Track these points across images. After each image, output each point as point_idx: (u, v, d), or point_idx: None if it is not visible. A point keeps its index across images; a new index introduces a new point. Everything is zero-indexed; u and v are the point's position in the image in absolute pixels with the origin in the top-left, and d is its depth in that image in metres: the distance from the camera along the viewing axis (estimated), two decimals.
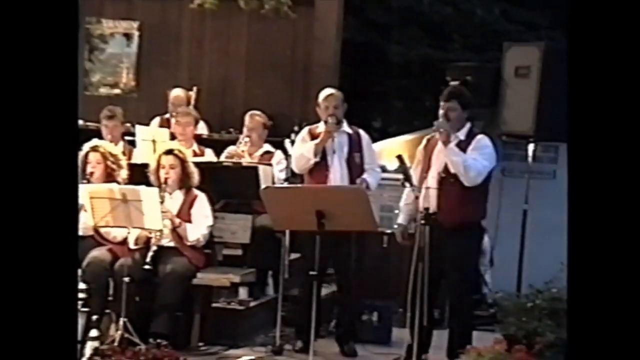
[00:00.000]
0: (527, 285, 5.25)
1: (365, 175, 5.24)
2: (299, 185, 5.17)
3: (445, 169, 4.70)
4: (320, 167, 5.19)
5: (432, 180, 4.70)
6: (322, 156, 5.20)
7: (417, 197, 4.53)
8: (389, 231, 5.00)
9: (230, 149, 6.11)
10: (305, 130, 5.37)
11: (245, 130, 6.11)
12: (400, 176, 4.73)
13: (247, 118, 6.15)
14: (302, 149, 5.22)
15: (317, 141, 5.19)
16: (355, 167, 5.24)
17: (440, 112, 4.76)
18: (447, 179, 4.67)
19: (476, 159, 4.68)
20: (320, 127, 5.25)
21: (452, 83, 6.54)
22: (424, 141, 4.92)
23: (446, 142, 4.69)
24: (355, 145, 5.28)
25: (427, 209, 4.51)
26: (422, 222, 4.43)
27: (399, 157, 4.62)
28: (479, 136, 4.80)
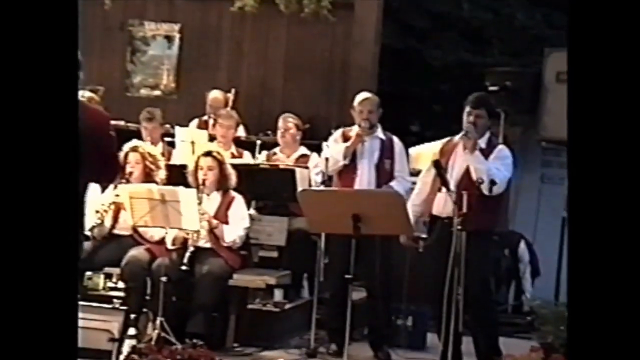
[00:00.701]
0: (565, 294, 5.18)
1: (393, 183, 5.18)
2: (336, 188, 5.18)
3: (464, 175, 4.67)
4: (349, 170, 5.19)
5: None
6: (352, 159, 5.19)
7: (455, 203, 4.48)
8: (424, 236, 4.98)
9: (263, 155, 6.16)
10: (339, 132, 5.37)
11: (278, 132, 6.15)
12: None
13: (280, 120, 6.18)
14: (332, 150, 5.22)
15: (347, 144, 5.18)
16: (384, 173, 5.20)
17: (470, 118, 4.73)
18: (465, 185, 4.61)
19: (499, 169, 4.67)
20: (354, 130, 5.24)
21: (492, 88, 6.49)
22: (440, 146, 4.89)
23: (473, 149, 4.67)
24: (386, 151, 5.24)
25: (465, 214, 4.45)
26: (459, 227, 4.40)
27: (436, 162, 4.59)
28: (500, 146, 4.85)
